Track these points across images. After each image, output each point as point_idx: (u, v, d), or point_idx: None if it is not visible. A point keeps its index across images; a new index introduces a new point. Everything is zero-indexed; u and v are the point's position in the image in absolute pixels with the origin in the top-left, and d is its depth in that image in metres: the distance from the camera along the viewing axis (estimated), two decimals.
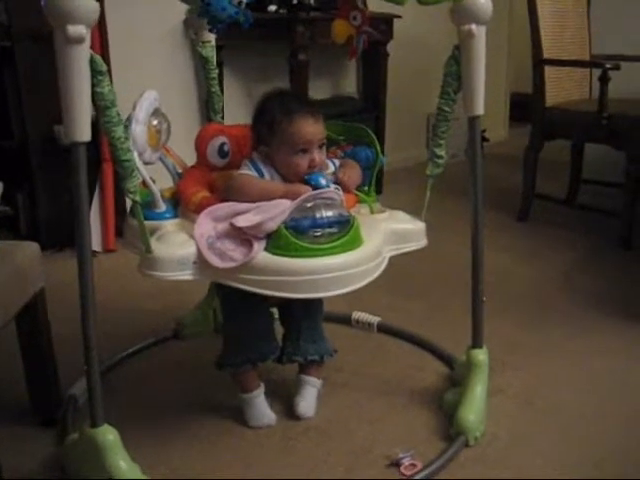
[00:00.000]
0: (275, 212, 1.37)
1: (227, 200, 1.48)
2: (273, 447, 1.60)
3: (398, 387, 1.82)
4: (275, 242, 1.38)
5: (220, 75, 1.95)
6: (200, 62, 1.86)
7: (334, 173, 1.59)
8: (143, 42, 2.92)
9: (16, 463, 1.48)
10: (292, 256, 1.37)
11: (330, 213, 1.40)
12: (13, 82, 2.68)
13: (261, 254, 1.37)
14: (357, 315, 2.14)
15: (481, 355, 1.68)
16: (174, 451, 1.57)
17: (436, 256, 2.48)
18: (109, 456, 1.35)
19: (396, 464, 1.51)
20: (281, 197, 1.44)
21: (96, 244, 2.76)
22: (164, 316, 2.14)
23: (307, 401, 1.69)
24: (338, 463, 1.54)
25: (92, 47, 1.23)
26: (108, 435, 1.37)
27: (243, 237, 1.38)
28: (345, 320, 2.13)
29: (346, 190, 1.55)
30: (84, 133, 1.23)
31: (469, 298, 1.67)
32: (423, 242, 1.61)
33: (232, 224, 1.38)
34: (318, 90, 3.47)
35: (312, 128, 1.51)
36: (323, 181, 1.49)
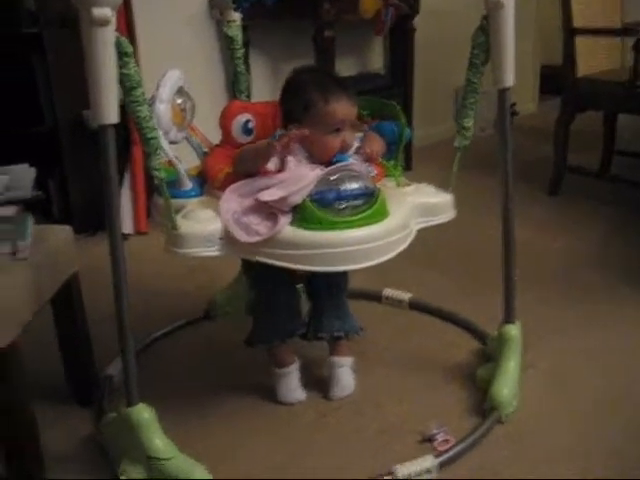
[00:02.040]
0: (300, 185, 1.37)
1: (239, 175, 1.48)
2: (306, 424, 1.61)
3: (430, 363, 1.82)
4: (300, 215, 1.38)
5: (246, 55, 1.94)
6: (226, 42, 1.85)
7: (359, 148, 1.57)
8: (169, 23, 2.91)
9: (55, 443, 1.52)
10: (317, 229, 1.36)
11: (355, 185, 1.39)
12: (42, 68, 2.71)
13: (287, 228, 1.37)
14: (388, 292, 2.14)
15: (514, 330, 1.67)
16: (208, 428, 1.59)
17: (466, 231, 2.47)
18: (145, 434, 1.38)
19: (429, 440, 1.52)
20: (269, 148, 1.43)
21: (128, 226, 2.79)
22: (196, 296, 2.17)
23: (340, 384, 1.69)
24: (371, 439, 1.55)
25: (118, 29, 1.23)
26: (143, 413, 1.39)
27: (269, 211, 1.38)
28: (376, 297, 2.14)
29: (371, 162, 1.54)
30: (111, 115, 1.24)
31: (500, 273, 1.66)
32: (451, 214, 1.59)
33: (257, 199, 1.39)
34: (345, 67, 3.44)
35: (346, 108, 1.51)
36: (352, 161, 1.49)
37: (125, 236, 2.63)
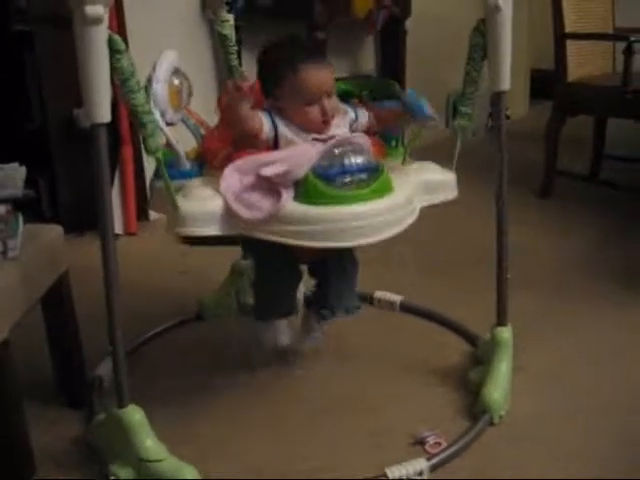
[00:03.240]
0: (302, 160, 1.34)
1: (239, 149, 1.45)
2: (297, 424, 1.61)
3: (422, 366, 1.82)
4: (303, 190, 1.34)
5: (238, 54, 1.94)
6: (219, 41, 1.86)
7: (355, 121, 1.55)
8: (160, 22, 2.90)
9: (44, 444, 1.50)
10: (321, 204, 1.33)
11: (360, 159, 1.36)
12: (33, 66, 2.69)
13: (290, 203, 1.33)
14: (379, 294, 2.14)
15: (506, 333, 1.67)
16: (200, 429, 1.58)
17: (458, 233, 2.47)
18: (136, 436, 1.37)
19: (421, 442, 1.51)
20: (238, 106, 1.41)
21: (117, 227, 2.76)
22: (187, 297, 2.15)
23: (314, 336, 1.74)
24: (362, 441, 1.54)
25: (109, 28, 1.22)
26: (134, 415, 1.38)
27: (271, 187, 1.35)
28: (367, 299, 2.13)
29: (392, 123, 1.54)
30: (104, 114, 1.23)
31: (492, 275, 1.66)
32: (454, 193, 1.56)
33: (259, 174, 1.35)
34: (337, 69, 3.41)
35: (319, 77, 1.46)
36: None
37: (115, 236, 2.61)
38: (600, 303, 2.14)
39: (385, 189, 1.38)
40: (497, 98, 1.54)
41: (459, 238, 2.54)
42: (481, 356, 1.78)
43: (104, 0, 1.18)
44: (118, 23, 2.60)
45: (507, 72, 1.49)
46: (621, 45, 2.75)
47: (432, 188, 1.53)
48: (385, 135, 1.64)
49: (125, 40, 1.24)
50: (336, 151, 1.36)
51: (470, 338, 1.92)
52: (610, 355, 1.86)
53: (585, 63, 3.03)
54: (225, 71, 1.90)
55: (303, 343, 1.75)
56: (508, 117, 4.01)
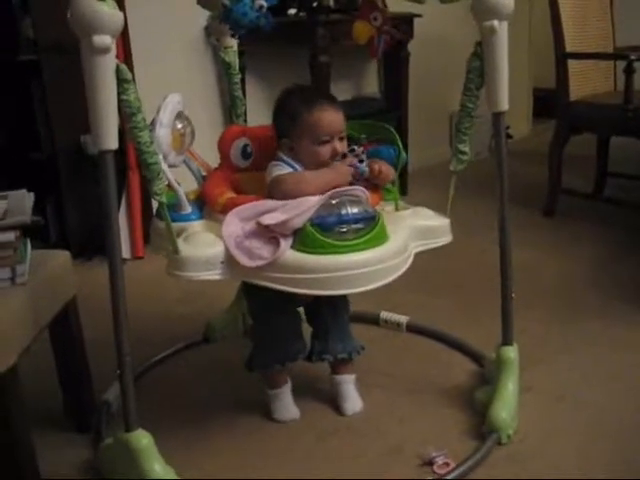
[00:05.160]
0: (301, 209, 1.38)
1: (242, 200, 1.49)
2: (304, 447, 1.60)
3: (429, 386, 1.82)
4: (301, 239, 1.39)
5: (243, 80, 1.97)
6: (223, 67, 1.88)
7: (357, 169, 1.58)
8: (165, 49, 2.94)
9: (52, 469, 1.50)
10: (318, 253, 1.37)
11: (356, 209, 1.41)
12: (40, 95, 2.73)
13: (288, 252, 1.38)
14: (385, 315, 2.14)
15: (512, 352, 1.67)
16: (207, 453, 1.58)
17: (463, 253, 2.48)
18: (143, 460, 1.37)
19: (429, 463, 1.51)
20: (334, 182, 1.47)
21: (125, 251, 2.77)
22: (194, 321, 2.16)
23: (350, 399, 1.72)
24: (371, 462, 1.54)
25: (116, 56, 1.24)
26: (142, 439, 1.39)
27: (270, 235, 1.39)
28: (373, 320, 2.14)
29: (381, 182, 1.56)
30: (112, 141, 1.25)
31: (497, 295, 1.67)
32: (448, 238, 1.61)
33: (259, 222, 1.40)
34: (340, 92, 3.47)
35: (332, 118, 1.54)
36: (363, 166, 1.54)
37: (122, 261, 2.63)
38: (607, 321, 2.14)
39: (381, 238, 1.42)
40: (496, 118, 1.56)
41: (465, 258, 2.55)
42: (487, 375, 1.78)
43: (112, 30, 1.20)
44: (124, 50, 2.63)
45: (505, 93, 1.51)
46: (622, 64, 2.77)
47: (427, 233, 1.57)
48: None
49: (131, 67, 1.27)
50: (333, 202, 1.41)
51: (476, 358, 1.92)
52: (618, 373, 1.86)
53: (587, 82, 3.05)
54: (228, 99, 1.92)
55: (344, 408, 1.72)
56: (511, 136, 4.04)
